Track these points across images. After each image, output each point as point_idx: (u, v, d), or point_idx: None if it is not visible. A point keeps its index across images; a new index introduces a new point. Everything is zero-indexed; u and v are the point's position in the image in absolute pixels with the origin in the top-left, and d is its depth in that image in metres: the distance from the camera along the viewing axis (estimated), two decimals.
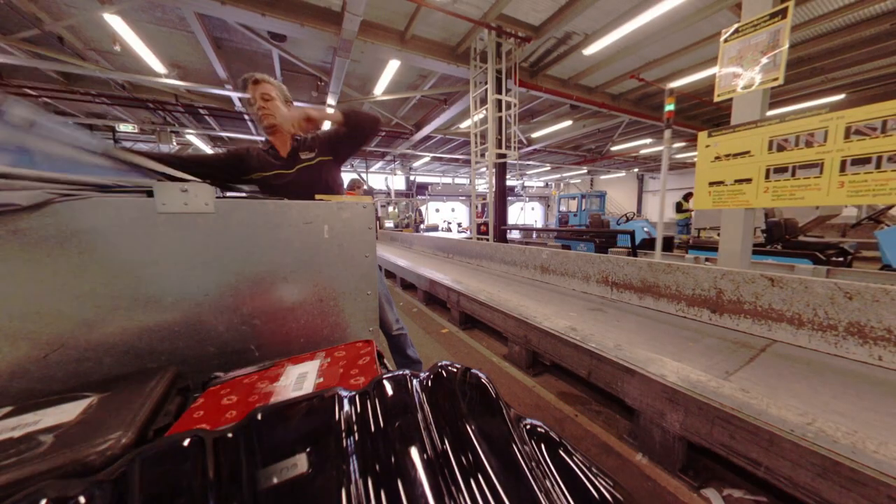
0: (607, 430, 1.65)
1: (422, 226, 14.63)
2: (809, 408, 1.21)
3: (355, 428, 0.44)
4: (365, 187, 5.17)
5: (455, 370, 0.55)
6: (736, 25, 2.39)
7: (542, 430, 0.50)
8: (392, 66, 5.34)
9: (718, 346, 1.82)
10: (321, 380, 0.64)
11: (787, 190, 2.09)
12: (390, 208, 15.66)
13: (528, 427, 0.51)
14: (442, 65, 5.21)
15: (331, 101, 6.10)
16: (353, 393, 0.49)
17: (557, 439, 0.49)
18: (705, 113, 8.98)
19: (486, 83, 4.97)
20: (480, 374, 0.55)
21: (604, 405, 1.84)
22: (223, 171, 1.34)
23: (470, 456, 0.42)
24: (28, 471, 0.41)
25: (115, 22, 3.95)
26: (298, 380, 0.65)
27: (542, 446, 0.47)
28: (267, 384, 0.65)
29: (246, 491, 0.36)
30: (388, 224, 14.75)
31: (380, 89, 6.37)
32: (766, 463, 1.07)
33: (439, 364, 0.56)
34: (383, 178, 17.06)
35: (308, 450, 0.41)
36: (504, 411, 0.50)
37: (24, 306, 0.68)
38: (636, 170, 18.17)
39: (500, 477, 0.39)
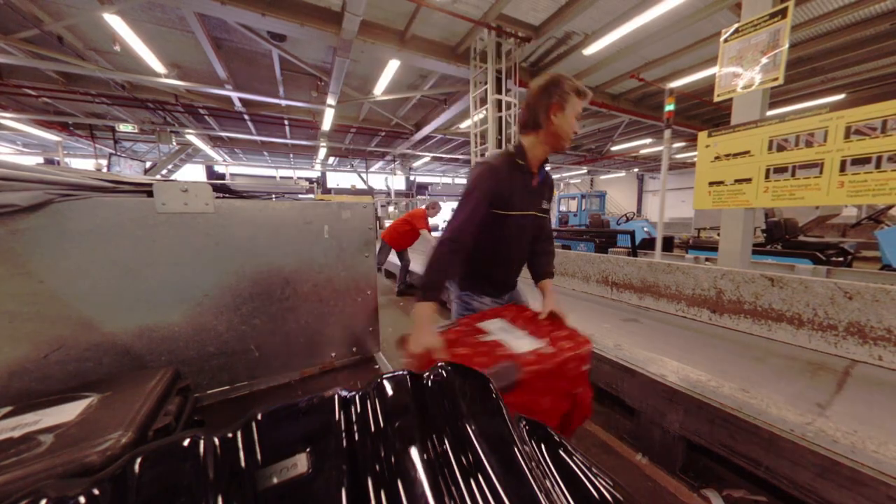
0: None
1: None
2: None
3: (355, 428, 0.44)
4: (438, 208, 5.10)
5: (455, 370, 0.55)
6: (736, 25, 2.39)
7: (543, 430, 0.50)
8: (392, 66, 5.34)
9: (788, 367, 1.56)
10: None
11: (787, 190, 2.09)
12: (390, 208, 15.66)
13: (528, 427, 0.51)
14: (442, 65, 5.21)
15: (330, 101, 6.08)
16: (353, 393, 0.49)
17: (557, 439, 0.49)
18: (705, 113, 8.99)
19: (486, 83, 4.97)
20: (481, 374, 0.55)
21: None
22: None
23: (470, 456, 0.42)
24: (28, 470, 0.41)
25: (114, 22, 3.94)
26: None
27: (543, 446, 0.47)
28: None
29: (246, 491, 0.36)
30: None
31: (379, 89, 6.36)
32: None
33: (439, 364, 0.56)
34: (383, 178, 17.06)
35: (308, 450, 0.41)
36: (504, 411, 0.50)
37: (24, 306, 0.68)
38: (636, 170, 18.19)
39: (500, 477, 0.39)
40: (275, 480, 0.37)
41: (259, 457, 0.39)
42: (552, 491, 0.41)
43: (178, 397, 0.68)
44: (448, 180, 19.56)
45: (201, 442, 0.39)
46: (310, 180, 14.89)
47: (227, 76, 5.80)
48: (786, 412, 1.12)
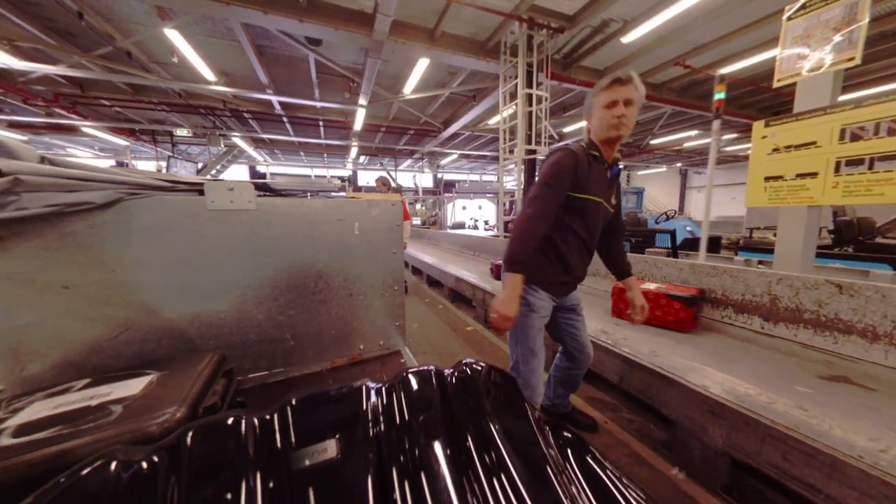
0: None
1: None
2: None
3: (381, 419, 0.45)
4: (393, 185, 5.27)
5: (480, 368, 0.55)
6: (802, 1, 2.13)
7: (570, 435, 0.49)
8: (421, 65, 5.38)
9: (858, 385, 1.32)
10: None
11: (863, 185, 1.84)
12: (418, 206, 15.89)
13: (554, 430, 0.50)
14: (471, 60, 5.16)
15: (362, 101, 6.26)
16: (380, 385, 0.50)
17: (586, 446, 0.47)
18: (761, 101, 8.13)
19: (516, 77, 4.85)
20: (506, 374, 0.55)
21: (638, 413, 1.75)
22: None
23: (493, 455, 0.41)
24: (102, 435, 0.46)
25: (173, 35, 4.33)
26: None
27: (569, 451, 0.46)
28: None
29: (282, 470, 0.38)
30: (416, 221, 14.99)
31: (409, 88, 6.44)
32: None
33: (464, 361, 0.56)
34: (411, 176, 17.30)
35: (337, 436, 0.43)
36: (529, 413, 0.49)
37: (99, 292, 0.78)
38: (679, 164, 16.88)
39: (523, 479, 0.39)
40: (307, 462, 0.39)
41: (293, 439, 0.42)
42: (578, 498, 0.39)
43: (224, 379, 0.74)
44: (476, 177, 19.41)
45: (243, 421, 0.43)
46: (342, 179, 15.48)
47: (269, 81, 6.16)
48: (853, 436, 0.99)
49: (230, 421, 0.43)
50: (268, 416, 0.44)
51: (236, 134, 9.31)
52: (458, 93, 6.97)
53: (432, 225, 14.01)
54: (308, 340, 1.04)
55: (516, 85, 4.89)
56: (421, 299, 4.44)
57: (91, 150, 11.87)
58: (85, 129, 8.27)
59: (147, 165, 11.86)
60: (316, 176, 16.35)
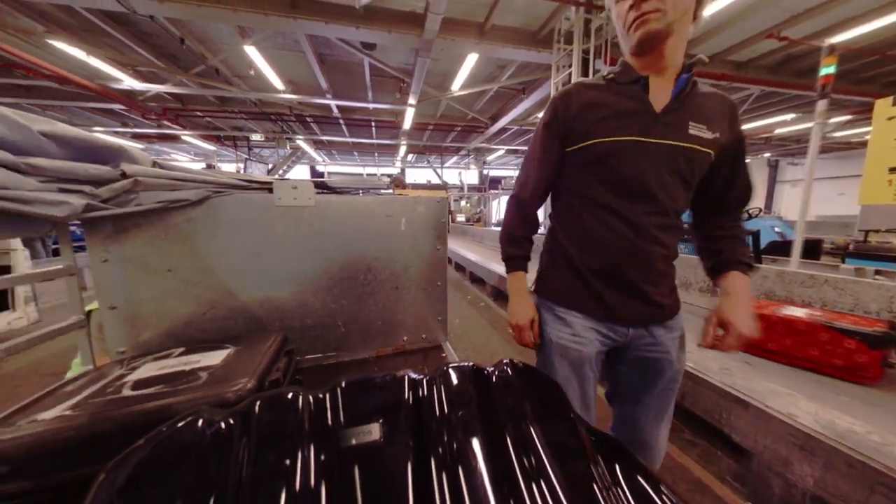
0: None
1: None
2: None
3: (422, 410, 0.47)
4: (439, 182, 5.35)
5: (521, 369, 0.53)
6: None
7: (619, 448, 0.45)
8: (470, 61, 5.34)
9: None
10: None
11: None
12: (462, 202, 15.93)
13: (601, 442, 0.47)
14: (522, 52, 4.99)
15: (411, 100, 6.45)
16: (422, 377, 0.52)
17: (638, 462, 0.44)
18: (886, 73, 6.56)
19: (570, 66, 4.58)
20: (551, 380, 0.53)
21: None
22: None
23: (533, 460, 0.40)
24: (192, 396, 0.55)
25: (251, 51, 4.91)
26: None
27: (618, 467, 0.43)
28: None
29: (332, 446, 0.42)
30: (460, 218, 15.06)
31: (457, 85, 6.45)
32: None
33: (504, 361, 0.55)
34: (457, 173, 17.38)
35: (381, 421, 0.45)
36: (574, 420, 0.47)
37: (192, 276, 0.92)
38: (767, 154, 14.44)
39: (565, 491, 0.37)
40: (353, 442, 0.42)
41: (342, 418, 0.45)
42: None
43: (285, 358, 0.82)
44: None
45: (300, 397, 0.47)
46: (390, 176, 16.13)
47: (328, 86, 6.66)
48: None
49: (290, 396, 0.48)
50: (321, 395, 0.48)
51: (300, 137, 10.25)
52: (506, 87, 6.80)
53: (476, 222, 13.95)
54: (357, 328, 1.12)
55: (570, 74, 4.61)
56: (463, 296, 4.46)
57: (188, 155, 13.98)
58: (184, 138, 9.78)
59: (229, 167, 13.62)
60: (367, 174, 17.28)
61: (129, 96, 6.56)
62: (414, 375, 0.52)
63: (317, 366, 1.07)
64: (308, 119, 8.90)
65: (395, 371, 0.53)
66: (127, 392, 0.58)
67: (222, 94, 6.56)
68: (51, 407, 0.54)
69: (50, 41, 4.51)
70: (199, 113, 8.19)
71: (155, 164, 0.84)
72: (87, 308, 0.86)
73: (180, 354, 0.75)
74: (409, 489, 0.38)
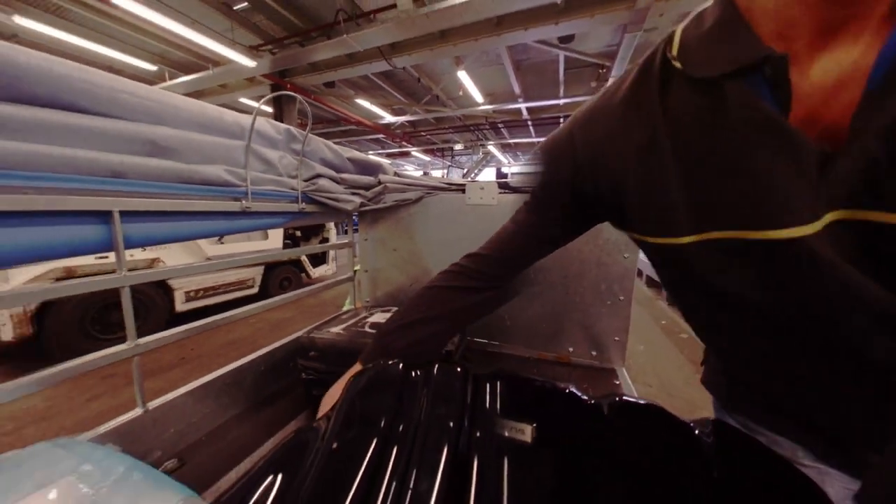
0: None
1: None
2: None
3: (582, 435, 0.42)
4: None
5: (744, 439, 0.37)
6: None
7: None
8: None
9: None
10: None
11: None
12: None
13: None
14: None
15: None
16: (585, 397, 0.46)
17: None
18: None
19: None
20: (799, 471, 0.33)
21: None
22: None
23: None
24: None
25: (462, 76, 5.86)
26: None
27: None
28: None
29: (488, 425, 0.45)
30: None
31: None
32: None
33: (719, 419, 0.40)
34: None
35: (534, 425, 0.44)
36: None
37: (408, 256, 1.23)
38: None
39: None
40: (506, 434, 0.44)
41: (498, 407, 0.48)
42: None
43: (459, 334, 0.96)
44: None
45: (468, 374, 0.54)
46: None
47: (521, 91, 6.97)
48: None
49: (459, 369, 0.55)
50: (484, 378, 0.53)
51: (491, 142, 11.38)
52: None
53: None
54: (520, 325, 1.13)
55: None
56: (654, 319, 3.59)
57: (413, 165, 18.69)
58: (413, 153, 13.12)
59: (436, 173, 17.11)
60: None
61: (387, 127, 9.48)
62: (577, 392, 0.47)
63: (482, 351, 1.18)
64: (499, 125, 9.73)
65: (554, 380, 0.50)
66: (366, 329, 0.86)
67: (439, 115, 8.30)
68: (334, 326, 0.89)
69: (357, 101, 7.21)
70: (423, 132, 10.74)
71: (395, 173, 1.18)
72: (354, 269, 1.34)
73: (384, 311, 1.03)
74: None
